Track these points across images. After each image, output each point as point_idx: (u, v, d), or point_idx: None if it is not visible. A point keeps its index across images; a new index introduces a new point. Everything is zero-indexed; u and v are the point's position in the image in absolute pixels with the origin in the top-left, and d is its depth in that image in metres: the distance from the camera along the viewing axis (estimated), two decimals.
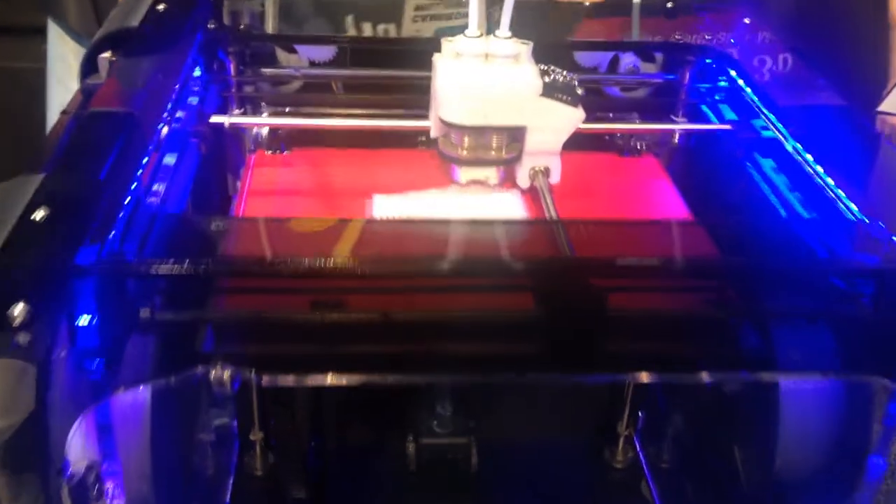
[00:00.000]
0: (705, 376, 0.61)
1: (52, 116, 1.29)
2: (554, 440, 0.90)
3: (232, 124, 0.91)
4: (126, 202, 0.63)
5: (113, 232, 0.59)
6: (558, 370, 0.62)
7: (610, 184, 0.94)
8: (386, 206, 0.81)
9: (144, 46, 0.84)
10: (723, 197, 0.91)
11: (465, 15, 0.80)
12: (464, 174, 0.84)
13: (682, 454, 0.86)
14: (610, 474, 0.88)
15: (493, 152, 0.83)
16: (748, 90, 0.91)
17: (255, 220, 0.77)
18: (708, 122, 0.97)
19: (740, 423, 0.75)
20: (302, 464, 0.89)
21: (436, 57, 0.83)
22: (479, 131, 0.82)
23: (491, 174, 0.84)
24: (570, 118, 0.81)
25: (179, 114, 0.81)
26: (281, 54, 0.99)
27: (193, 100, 0.88)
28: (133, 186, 0.65)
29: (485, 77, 0.79)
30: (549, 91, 0.80)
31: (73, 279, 0.54)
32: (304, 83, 1.00)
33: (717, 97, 0.98)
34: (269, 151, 0.93)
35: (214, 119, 0.87)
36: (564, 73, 0.82)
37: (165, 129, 0.75)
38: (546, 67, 0.82)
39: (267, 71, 0.98)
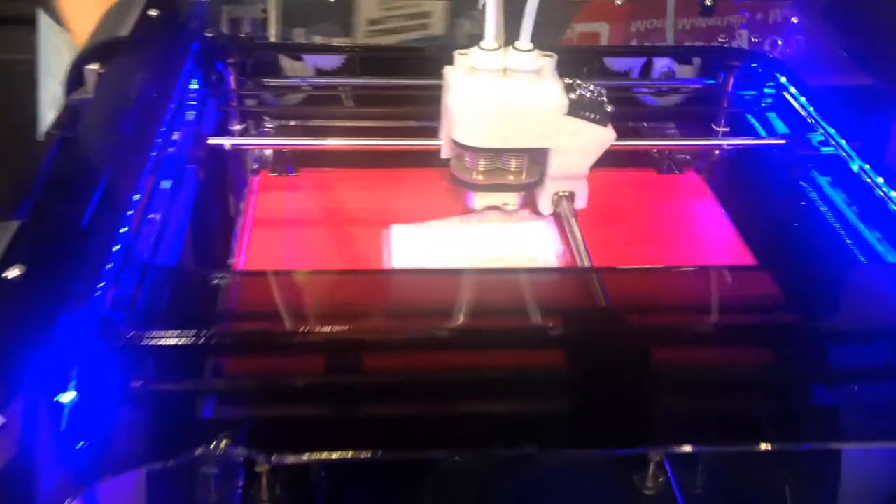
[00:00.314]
0: (764, 446, 0.55)
1: (44, 110, 1.24)
2: (580, 464, 0.85)
3: (234, 146, 0.84)
4: (115, 249, 0.57)
5: (99, 290, 0.54)
6: (592, 444, 0.57)
7: (647, 207, 0.86)
8: (405, 237, 0.76)
9: (135, 57, 0.78)
10: (778, 225, 0.82)
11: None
12: (479, 200, 0.78)
13: (717, 480, 0.81)
14: (640, 501, 0.84)
15: (511, 176, 0.77)
16: (802, 99, 0.83)
17: (263, 273, 0.70)
18: (754, 132, 0.89)
19: (786, 456, 0.70)
20: (311, 495, 0.85)
21: (447, 70, 0.76)
22: (497, 153, 0.76)
23: (510, 200, 0.78)
24: (599, 139, 0.74)
25: (175, 135, 0.75)
26: (285, 63, 0.93)
27: (190, 115, 0.82)
28: (123, 230, 0.59)
29: (503, 95, 0.72)
30: (576, 109, 0.73)
31: (53, 352, 0.49)
32: (311, 94, 0.93)
33: (763, 104, 0.90)
34: (275, 173, 0.87)
35: (214, 140, 0.81)
36: (592, 87, 0.75)
37: (159, 156, 0.69)
38: (571, 82, 0.75)
39: (270, 81, 0.91)
